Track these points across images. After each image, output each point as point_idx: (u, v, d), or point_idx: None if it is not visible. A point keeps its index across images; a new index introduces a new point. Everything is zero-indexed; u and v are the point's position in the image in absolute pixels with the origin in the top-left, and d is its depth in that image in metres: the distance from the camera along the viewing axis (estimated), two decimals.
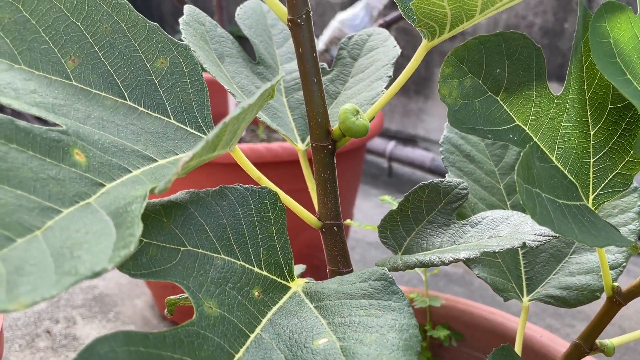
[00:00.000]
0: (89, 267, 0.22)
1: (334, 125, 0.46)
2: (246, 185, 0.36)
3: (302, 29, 0.41)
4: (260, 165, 0.95)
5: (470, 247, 0.41)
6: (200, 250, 0.32)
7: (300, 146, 0.49)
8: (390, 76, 0.49)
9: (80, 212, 0.26)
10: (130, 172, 0.31)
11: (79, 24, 0.34)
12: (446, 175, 0.51)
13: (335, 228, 0.42)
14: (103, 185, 0.29)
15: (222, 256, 0.33)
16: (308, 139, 0.50)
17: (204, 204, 0.33)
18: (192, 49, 0.44)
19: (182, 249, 0.31)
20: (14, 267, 0.21)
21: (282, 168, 0.96)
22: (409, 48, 2.19)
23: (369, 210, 1.81)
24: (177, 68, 0.38)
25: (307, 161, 0.48)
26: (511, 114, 0.36)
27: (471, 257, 0.38)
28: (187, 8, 0.49)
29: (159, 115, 0.36)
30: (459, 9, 0.36)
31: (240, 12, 0.54)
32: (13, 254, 0.21)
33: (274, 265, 0.36)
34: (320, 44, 1.19)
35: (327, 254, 0.43)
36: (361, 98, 0.49)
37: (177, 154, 0.35)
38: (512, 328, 0.62)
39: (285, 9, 0.43)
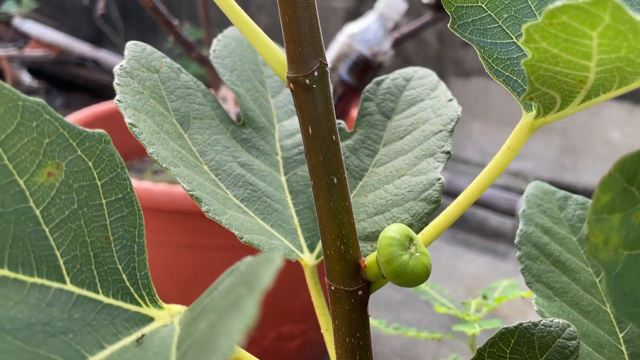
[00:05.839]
0: None
1: (365, 249, 0.29)
2: None
3: (312, 95, 0.24)
4: (175, 214, 0.75)
5: None
6: None
7: (308, 259, 0.31)
8: (449, 152, 0.31)
9: None
10: None
11: None
12: (532, 299, 0.34)
13: None
14: None
15: None
16: (320, 245, 0.32)
17: None
18: (130, 121, 0.27)
19: None
20: None
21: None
22: (420, 55, 2.02)
23: None
24: (81, 181, 0.20)
25: (319, 285, 0.31)
26: None
27: None
28: (131, 47, 0.31)
29: (39, 280, 0.19)
30: (613, 72, 0.19)
31: (217, 48, 0.36)
32: None
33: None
34: None
35: None
36: (403, 186, 0.31)
37: None
38: None
39: (282, 56, 0.25)
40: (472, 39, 0.24)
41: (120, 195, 0.21)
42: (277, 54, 0.25)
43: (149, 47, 0.32)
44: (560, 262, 0.36)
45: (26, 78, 2.05)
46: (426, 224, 0.28)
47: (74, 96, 2.15)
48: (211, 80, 0.93)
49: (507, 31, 0.24)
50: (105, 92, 2.15)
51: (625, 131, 1.57)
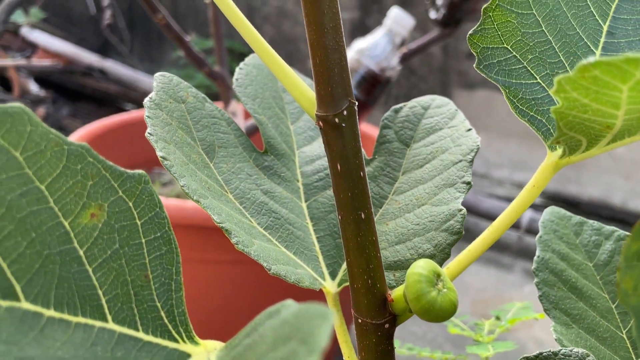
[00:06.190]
0: None
1: (388, 279, 0.29)
2: None
3: (341, 133, 0.24)
4: (188, 229, 0.76)
5: None
6: None
7: (330, 287, 0.32)
8: (469, 183, 0.32)
9: None
10: None
11: None
12: (551, 327, 0.34)
13: None
14: None
15: None
16: (341, 272, 0.33)
17: None
18: (162, 154, 0.27)
19: None
20: None
21: (217, 235, 0.76)
22: (425, 67, 2.03)
23: None
24: (122, 221, 0.21)
25: (341, 312, 0.32)
26: None
27: None
28: (159, 78, 0.32)
29: (82, 320, 0.19)
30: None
31: (240, 76, 0.37)
32: None
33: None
34: None
35: None
36: (424, 215, 0.32)
37: None
38: None
39: (311, 95, 0.26)
40: (497, 79, 0.24)
41: (159, 234, 0.21)
42: (305, 92, 0.26)
43: (175, 78, 0.33)
44: (577, 288, 0.36)
45: (33, 87, 2.07)
46: (448, 255, 0.29)
47: (80, 105, 2.17)
48: (221, 94, 0.94)
49: (532, 72, 0.24)
50: (111, 101, 2.17)
51: (631, 145, 1.58)
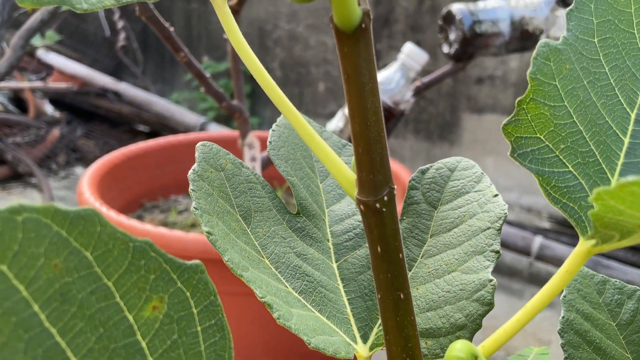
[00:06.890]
0: None
1: (423, 349, 0.30)
2: None
3: (382, 217, 0.26)
4: (207, 262, 0.77)
5: None
6: None
7: (362, 351, 0.33)
8: (498, 252, 0.33)
9: None
10: None
11: None
12: None
13: None
14: None
15: None
16: (373, 336, 0.34)
17: None
18: (207, 229, 0.29)
19: None
20: None
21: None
22: (434, 92, 2.05)
23: None
24: (181, 311, 0.22)
25: None
26: None
27: None
28: (201, 148, 0.33)
29: None
30: None
31: (273, 139, 0.38)
32: None
33: None
34: (343, 117, 1.04)
35: None
36: (455, 283, 0.33)
37: None
38: None
39: (351, 175, 0.27)
40: (531, 167, 0.26)
41: (213, 322, 0.23)
42: (345, 173, 0.27)
43: (214, 146, 0.34)
44: (601, 349, 0.37)
45: (48, 108, 2.10)
46: (480, 326, 0.30)
47: (94, 126, 2.19)
48: (239, 127, 0.96)
49: (564, 161, 0.25)
50: (124, 122, 2.19)
51: None
